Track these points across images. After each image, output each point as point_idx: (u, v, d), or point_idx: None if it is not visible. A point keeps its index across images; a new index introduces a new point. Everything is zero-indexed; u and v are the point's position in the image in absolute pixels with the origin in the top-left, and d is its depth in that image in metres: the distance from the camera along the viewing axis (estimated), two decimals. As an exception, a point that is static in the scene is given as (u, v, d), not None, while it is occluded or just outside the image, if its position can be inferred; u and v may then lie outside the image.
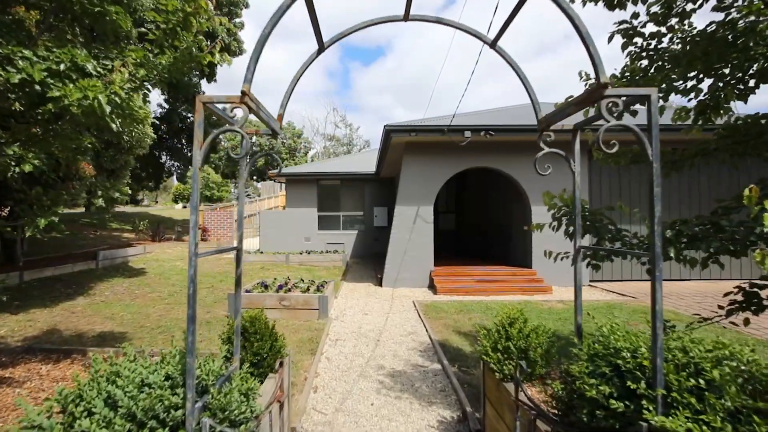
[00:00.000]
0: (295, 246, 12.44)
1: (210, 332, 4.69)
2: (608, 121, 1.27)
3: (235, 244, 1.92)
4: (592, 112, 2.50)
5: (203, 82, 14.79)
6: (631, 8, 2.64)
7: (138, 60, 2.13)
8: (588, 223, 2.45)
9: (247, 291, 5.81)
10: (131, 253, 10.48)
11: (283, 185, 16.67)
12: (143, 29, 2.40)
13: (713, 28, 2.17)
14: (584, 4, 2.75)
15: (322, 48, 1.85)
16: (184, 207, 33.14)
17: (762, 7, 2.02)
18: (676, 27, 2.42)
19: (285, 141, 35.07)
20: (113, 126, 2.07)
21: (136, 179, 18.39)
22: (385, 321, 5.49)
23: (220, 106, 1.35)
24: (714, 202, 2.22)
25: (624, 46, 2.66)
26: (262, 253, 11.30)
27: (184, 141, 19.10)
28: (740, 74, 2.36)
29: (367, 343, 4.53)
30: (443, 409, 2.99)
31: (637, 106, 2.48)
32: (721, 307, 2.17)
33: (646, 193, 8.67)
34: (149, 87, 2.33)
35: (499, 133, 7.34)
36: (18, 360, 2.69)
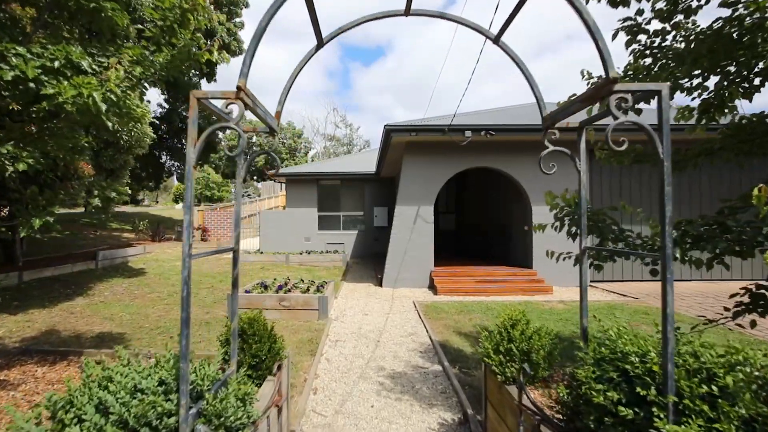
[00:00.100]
0: (295, 246, 12.41)
1: (209, 333, 4.66)
2: (617, 118, 1.23)
3: (232, 245, 1.88)
4: (595, 110, 2.45)
5: (203, 81, 14.76)
6: (634, 5, 2.60)
7: (134, 57, 2.09)
8: (591, 223, 2.41)
9: (246, 291, 5.78)
10: (131, 253, 10.45)
11: (283, 185, 16.64)
12: (140, 26, 2.36)
13: (720, 24, 2.13)
14: (587, 1, 2.71)
15: (321, 43, 1.81)
16: (185, 207, 33.05)
17: None
18: (682, 24, 2.38)
19: (285, 141, 35.06)
20: (109, 124, 2.04)
21: (137, 179, 18.35)
22: (386, 321, 5.45)
23: (216, 102, 1.32)
24: (719, 201, 2.18)
25: (628, 44, 2.62)
26: (262, 253, 11.27)
27: (184, 141, 19.05)
28: (745, 72, 2.32)
29: (367, 344, 4.50)
30: (444, 412, 2.95)
31: (641, 105, 2.45)
32: (726, 309, 2.13)
33: (647, 193, 8.65)
34: (146, 85, 2.30)
35: (499, 133, 7.30)
36: (14, 362, 2.65)
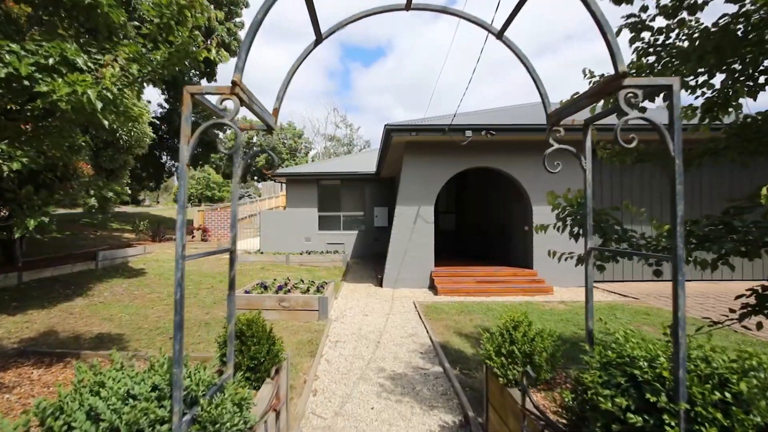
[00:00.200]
0: (295, 246, 12.38)
1: (209, 334, 4.63)
2: (627, 114, 1.19)
3: (230, 245, 1.84)
4: (598, 108, 2.41)
5: (203, 81, 14.75)
6: (638, 2, 2.56)
7: (131, 55, 2.06)
8: (593, 223, 2.38)
9: (246, 292, 5.75)
10: (131, 254, 10.43)
11: (284, 185, 16.62)
12: (136, 23, 2.32)
13: (726, 21, 2.09)
14: None
15: (319, 39, 1.77)
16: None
17: None
18: (686, 21, 2.34)
19: (286, 141, 35.05)
20: (105, 122, 2.01)
21: (137, 179, 18.34)
22: (386, 322, 5.42)
23: (210, 98, 1.28)
24: (726, 201, 2.14)
25: (632, 41, 2.58)
26: (262, 253, 11.25)
27: (184, 141, 19.02)
28: (750, 71, 2.28)
29: (368, 344, 4.46)
30: (445, 414, 2.91)
31: (646, 103, 2.41)
32: (732, 311, 2.09)
33: (648, 193, 8.61)
34: (143, 83, 2.27)
35: (500, 133, 7.26)
36: (10, 364, 2.63)
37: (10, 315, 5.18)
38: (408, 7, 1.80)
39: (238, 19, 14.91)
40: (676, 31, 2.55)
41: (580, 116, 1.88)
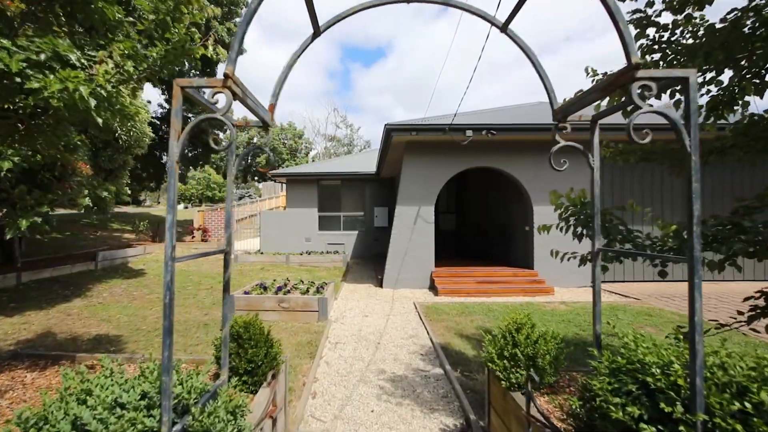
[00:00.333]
0: (295, 246, 12.35)
1: (207, 335, 4.59)
2: (640, 108, 1.13)
3: (225, 246, 1.80)
4: (603, 105, 2.37)
5: (203, 81, 14.69)
6: None
7: (126, 51, 2.02)
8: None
9: (245, 293, 5.72)
10: (131, 254, 10.40)
11: (284, 185, 16.58)
12: (131, 19, 2.28)
13: (735, 15, 2.04)
14: None
15: (317, 32, 1.72)
16: (186, 208, 33.15)
17: None
18: (695, 16, 2.29)
19: (286, 141, 35.03)
20: (99, 120, 1.97)
21: (137, 180, 18.31)
22: (386, 323, 5.37)
23: (204, 92, 1.23)
24: (734, 201, 2.09)
25: (636, 38, 2.53)
26: (262, 253, 11.22)
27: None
28: (756, 68, 2.23)
29: (368, 346, 4.42)
30: (446, 417, 2.87)
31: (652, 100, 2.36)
32: (740, 312, 2.05)
33: (649, 193, 8.56)
34: (139, 80, 2.22)
35: (501, 133, 7.22)
36: (3, 367, 2.58)
37: (7, 316, 5.15)
38: (409, -1, 1.75)
39: (238, 19, 14.88)
40: (681, 28, 2.51)
41: (586, 113, 1.84)
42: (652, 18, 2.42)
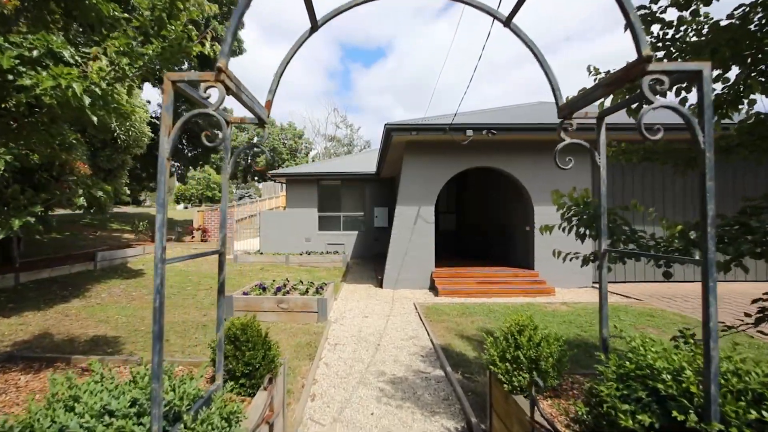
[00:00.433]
0: (295, 247, 12.31)
1: (205, 336, 4.56)
2: (651, 102, 1.09)
3: (219, 247, 1.76)
4: (607, 103, 2.33)
5: (202, 81, 14.67)
6: None
7: (120, 48, 1.98)
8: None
9: (244, 293, 5.68)
10: (130, 254, 10.37)
11: (284, 185, 16.56)
12: (126, 15, 2.24)
13: (743, 11, 2.00)
14: None
15: (315, 26, 1.69)
16: (186, 208, 33.16)
17: None
18: (701, 12, 2.25)
19: (286, 142, 35.02)
20: (94, 119, 1.93)
21: (137, 180, 18.27)
22: (386, 324, 5.34)
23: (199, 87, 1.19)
24: (739, 200, 2.06)
25: (640, 35, 2.50)
26: (262, 253, 11.19)
27: (184, 141, 19.02)
28: (764, 65, 2.20)
29: (367, 347, 4.38)
30: (447, 420, 2.83)
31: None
32: (747, 315, 2.01)
33: (650, 193, 8.52)
34: (134, 78, 2.19)
35: (501, 132, 7.18)
36: (-2, 369, 2.56)
37: (5, 317, 5.12)
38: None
39: (237, 19, 14.85)
40: (685, 26, 2.47)
41: (591, 111, 1.79)
42: (657, 14, 2.38)
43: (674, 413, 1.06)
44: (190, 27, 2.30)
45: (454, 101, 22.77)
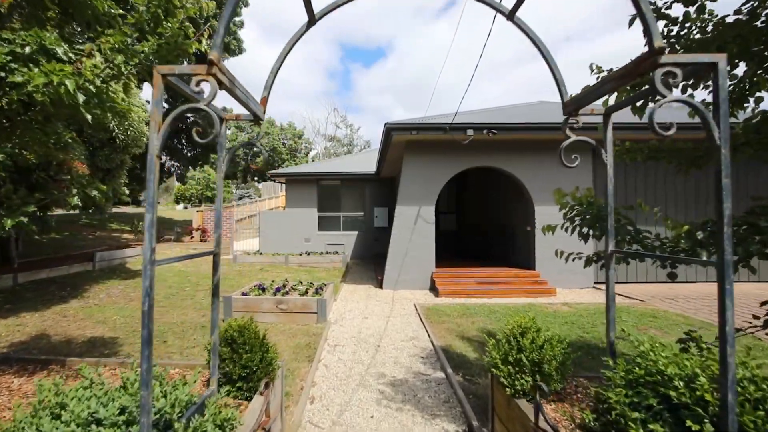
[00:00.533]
0: (295, 247, 12.27)
1: (203, 337, 4.52)
2: (664, 96, 1.04)
3: (214, 248, 1.72)
4: (612, 100, 2.29)
5: (202, 81, 14.63)
6: None
7: (115, 45, 1.95)
8: (604, 223, 2.25)
9: (243, 294, 5.64)
10: (129, 255, 10.33)
11: (284, 185, 16.52)
12: (121, 11, 2.20)
13: (753, 5, 1.96)
14: None
15: (312, 20, 1.65)
16: (185, 208, 33.13)
17: None
18: (707, 8, 2.21)
19: (286, 142, 34.99)
20: (89, 117, 1.89)
21: (137, 179, 18.24)
22: (386, 325, 5.29)
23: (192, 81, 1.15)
24: (749, 200, 2.01)
25: (645, 32, 2.46)
26: (261, 254, 11.15)
27: (183, 141, 19.00)
28: None
29: (367, 349, 4.34)
30: (448, 423, 2.79)
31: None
32: (756, 317, 1.97)
33: (652, 193, 8.47)
34: (129, 76, 2.15)
35: (501, 132, 7.14)
36: (-8, 371, 2.52)
37: (2, 318, 5.08)
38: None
39: (237, 18, 14.82)
40: (689, 24, 2.43)
41: (597, 107, 1.75)
42: (662, 10, 2.34)
43: (688, 423, 1.00)
44: (187, 24, 2.26)
45: (455, 101, 22.74)
